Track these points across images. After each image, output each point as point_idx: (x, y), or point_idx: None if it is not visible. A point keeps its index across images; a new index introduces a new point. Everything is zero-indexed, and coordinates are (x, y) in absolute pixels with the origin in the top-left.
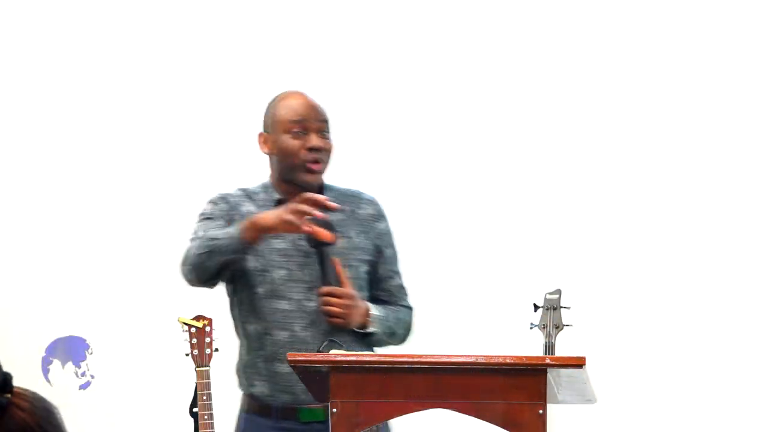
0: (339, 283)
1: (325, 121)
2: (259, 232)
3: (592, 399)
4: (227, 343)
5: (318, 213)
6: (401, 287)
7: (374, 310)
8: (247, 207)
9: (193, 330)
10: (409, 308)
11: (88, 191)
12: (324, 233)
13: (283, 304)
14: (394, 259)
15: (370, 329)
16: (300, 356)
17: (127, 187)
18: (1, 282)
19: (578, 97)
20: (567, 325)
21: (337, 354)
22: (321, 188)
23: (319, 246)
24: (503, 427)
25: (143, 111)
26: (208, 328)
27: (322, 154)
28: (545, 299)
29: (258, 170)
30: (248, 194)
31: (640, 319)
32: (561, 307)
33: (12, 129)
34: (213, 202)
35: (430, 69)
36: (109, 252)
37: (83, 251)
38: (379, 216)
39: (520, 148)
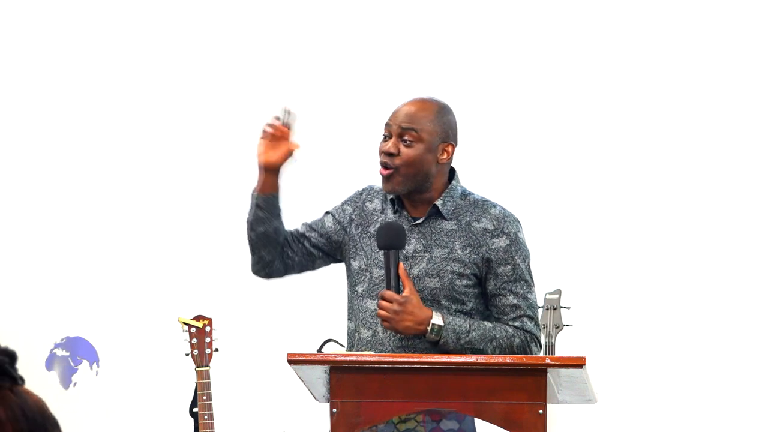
0: (397, 288)
1: (411, 129)
2: (262, 176)
3: (592, 399)
4: (227, 343)
5: (275, 126)
6: (515, 307)
7: (437, 319)
8: (374, 204)
9: (193, 330)
10: (520, 330)
11: (88, 191)
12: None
13: (373, 304)
14: (511, 277)
15: (433, 338)
16: (300, 356)
17: (127, 186)
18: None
19: (578, 98)
20: (567, 325)
21: (337, 354)
22: (407, 197)
23: (387, 249)
24: (503, 427)
25: (147, 114)
26: (208, 328)
27: (393, 159)
28: (545, 299)
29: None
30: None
31: (640, 319)
32: (561, 307)
33: (21, 133)
34: (344, 201)
35: (428, 70)
36: (109, 252)
37: (82, 251)
38: (499, 232)
39: (520, 148)
